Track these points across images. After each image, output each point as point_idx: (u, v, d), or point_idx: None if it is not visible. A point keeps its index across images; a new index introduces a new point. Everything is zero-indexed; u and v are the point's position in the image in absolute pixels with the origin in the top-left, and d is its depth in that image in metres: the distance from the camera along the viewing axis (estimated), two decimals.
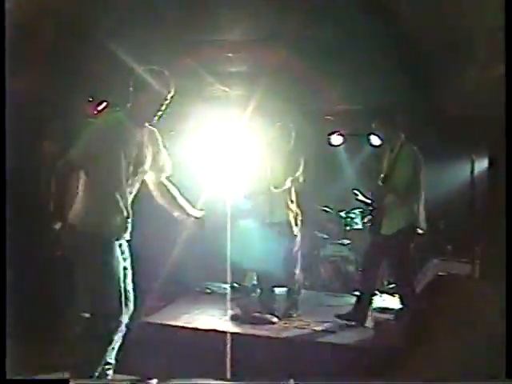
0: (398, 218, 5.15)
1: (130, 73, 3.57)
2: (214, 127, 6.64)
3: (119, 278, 3.47)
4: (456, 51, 4.78)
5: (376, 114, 5.55)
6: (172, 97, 3.56)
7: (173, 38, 5.36)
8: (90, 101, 6.86)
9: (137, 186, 3.66)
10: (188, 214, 3.84)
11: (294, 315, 5.56)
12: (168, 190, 3.82)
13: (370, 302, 5.40)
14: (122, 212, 3.53)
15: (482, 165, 5.11)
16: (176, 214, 3.84)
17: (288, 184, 5.58)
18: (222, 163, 6.27)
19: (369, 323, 5.24)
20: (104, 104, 6.81)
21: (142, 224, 3.89)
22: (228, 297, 5.97)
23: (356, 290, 5.91)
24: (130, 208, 3.61)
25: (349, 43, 5.36)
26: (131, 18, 5.07)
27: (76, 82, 6.16)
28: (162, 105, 3.52)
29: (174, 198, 3.82)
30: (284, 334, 4.93)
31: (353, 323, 5.24)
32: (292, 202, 5.70)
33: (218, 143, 6.53)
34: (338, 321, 5.31)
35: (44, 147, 6.23)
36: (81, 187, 3.49)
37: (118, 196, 3.48)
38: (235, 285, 6.89)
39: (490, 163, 4.59)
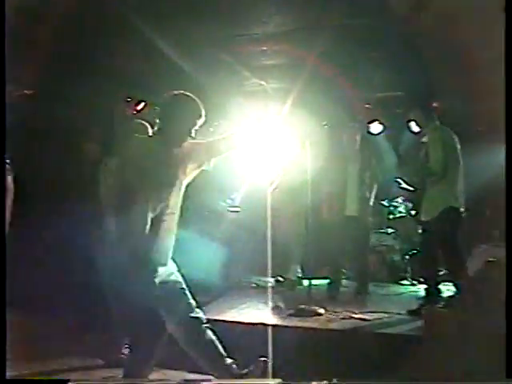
0: (436, 202, 5.11)
1: (157, 99, 3.52)
2: (253, 121, 6.62)
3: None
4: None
5: (413, 102, 5.53)
6: (201, 126, 3.48)
7: (207, 33, 5.38)
8: (128, 101, 6.93)
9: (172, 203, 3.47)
10: None
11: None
12: None
13: (439, 291, 5.33)
14: (163, 238, 3.40)
15: None
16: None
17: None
18: (261, 157, 6.25)
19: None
20: (142, 104, 6.88)
21: (186, 221, 3.87)
22: (270, 290, 6.01)
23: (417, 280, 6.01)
24: (169, 231, 3.48)
25: (386, 30, 5.30)
26: (165, 16, 5.10)
27: (114, 82, 6.23)
28: (190, 131, 3.44)
29: None
30: (331, 326, 4.90)
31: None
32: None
33: (257, 137, 6.50)
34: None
35: (85, 149, 6.32)
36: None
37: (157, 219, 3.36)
38: (280, 278, 6.89)
39: None
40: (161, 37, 5.13)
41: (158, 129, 3.50)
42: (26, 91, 6.97)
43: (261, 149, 5.85)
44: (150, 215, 3.31)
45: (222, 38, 5.61)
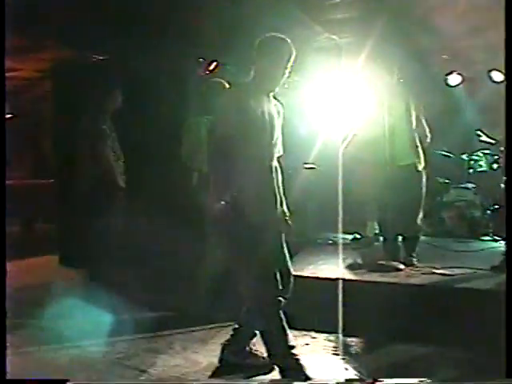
0: None
1: (251, 42, 3.52)
2: (326, 77, 6.54)
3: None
4: None
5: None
6: (292, 65, 3.49)
7: None
8: (200, 61, 6.96)
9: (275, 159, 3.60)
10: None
11: (415, 261, 5.45)
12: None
13: None
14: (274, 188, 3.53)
15: None
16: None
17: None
18: (334, 113, 6.18)
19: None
20: (214, 63, 6.90)
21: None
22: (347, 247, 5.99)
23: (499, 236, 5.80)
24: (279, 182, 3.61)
25: None
26: None
27: (186, 43, 6.26)
28: (284, 72, 3.45)
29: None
30: (412, 281, 4.85)
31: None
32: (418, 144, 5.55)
33: (331, 93, 6.44)
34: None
35: (160, 110, 6.43)
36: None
37: (265, 170, 3.47)
38: (357, 235, 6.87)
39: None
40: None
41: (253, 77, 3.53)
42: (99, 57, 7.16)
43: (335, 105, 5.79)
44: (264, 162, 3.46)
45: None
